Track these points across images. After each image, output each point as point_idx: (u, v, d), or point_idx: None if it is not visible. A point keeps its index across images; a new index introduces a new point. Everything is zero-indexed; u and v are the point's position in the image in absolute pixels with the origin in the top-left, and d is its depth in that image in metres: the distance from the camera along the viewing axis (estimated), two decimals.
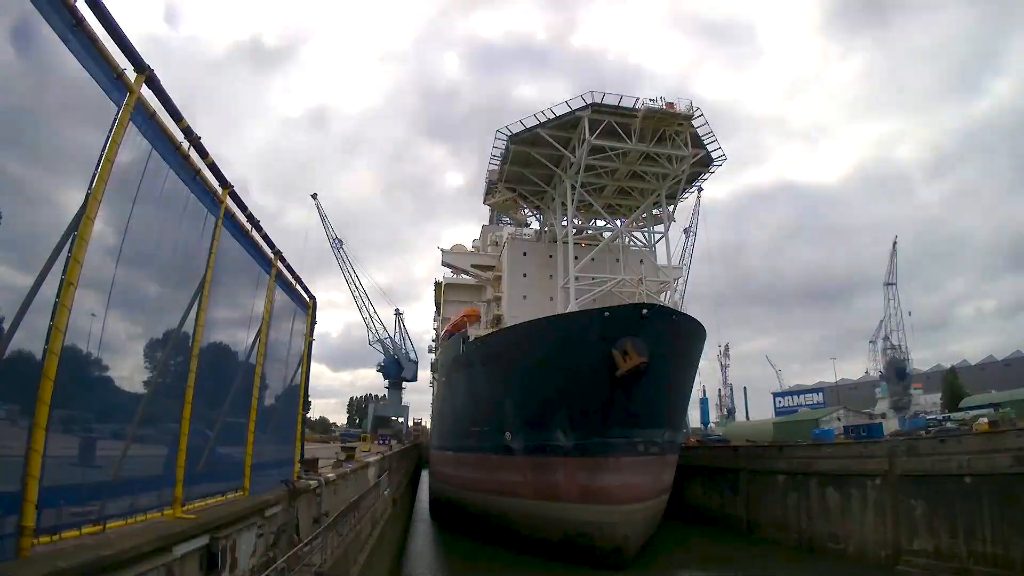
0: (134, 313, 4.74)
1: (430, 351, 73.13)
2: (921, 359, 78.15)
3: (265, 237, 7.69)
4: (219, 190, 5.97)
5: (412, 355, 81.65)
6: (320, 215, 71.82)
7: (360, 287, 75.45)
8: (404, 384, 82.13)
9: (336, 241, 72.76)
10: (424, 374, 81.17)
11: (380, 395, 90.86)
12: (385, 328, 79.14)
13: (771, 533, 27.65)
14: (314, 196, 71.41)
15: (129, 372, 4.67)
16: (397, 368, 79.13)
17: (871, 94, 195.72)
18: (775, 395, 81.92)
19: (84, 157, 3.73)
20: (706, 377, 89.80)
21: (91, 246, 3.59)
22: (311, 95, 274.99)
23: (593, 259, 33.51)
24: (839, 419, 42.53)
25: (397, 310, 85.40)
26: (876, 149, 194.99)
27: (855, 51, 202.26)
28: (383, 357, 79.69)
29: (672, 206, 36.65)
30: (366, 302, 76.25)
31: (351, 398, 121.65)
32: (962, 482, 19.48)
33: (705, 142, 33.00)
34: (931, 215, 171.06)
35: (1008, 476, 18.23)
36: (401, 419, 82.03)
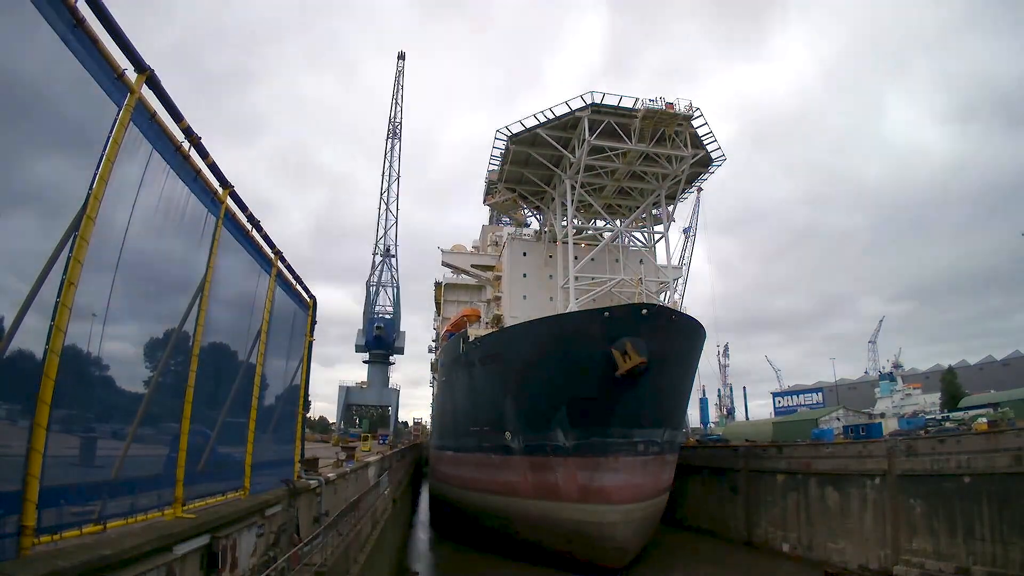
0: (135, 313, 4.74)
1: (430, 351, 72.96)
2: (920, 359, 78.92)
3: (265, 237, 7.68)
4: (219, 190, 5.98)
5: (398, 323, 64.98)
6: (398, 83, 66.23)
7: (397, 185, 66.90)
8: (392, 358, 65.61)
9: (393, 127, 66.78)
10: (423, 373, 77.94)
11: (361, 381, 68.30)
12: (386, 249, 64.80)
13: (770, 533, 27.67)
14: (401, 55, 66.52)
15: (129, 372, 4.67)
16: (382, 335, 60.49)
17: None
18: (774, 395, 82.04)
19: (84, 157, 3.73)
20: (706, 377, 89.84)
21: (92, 246, 3.59)
22: None
23: (593, 259, 33.51)
24: (838, 419, 42.52)
25: (388, 250, 65.01)
26: None
27: None
28: (363, 325, 63.32)
29: (672, 206, 36.67)
30: (392, 199, 66.53)
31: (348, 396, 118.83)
32: (961, 482, 19.51)
33: (705, 142, 32.97)
34: None
35: (1007, 476, 18.26)
36: (389, 407, 65.61)
